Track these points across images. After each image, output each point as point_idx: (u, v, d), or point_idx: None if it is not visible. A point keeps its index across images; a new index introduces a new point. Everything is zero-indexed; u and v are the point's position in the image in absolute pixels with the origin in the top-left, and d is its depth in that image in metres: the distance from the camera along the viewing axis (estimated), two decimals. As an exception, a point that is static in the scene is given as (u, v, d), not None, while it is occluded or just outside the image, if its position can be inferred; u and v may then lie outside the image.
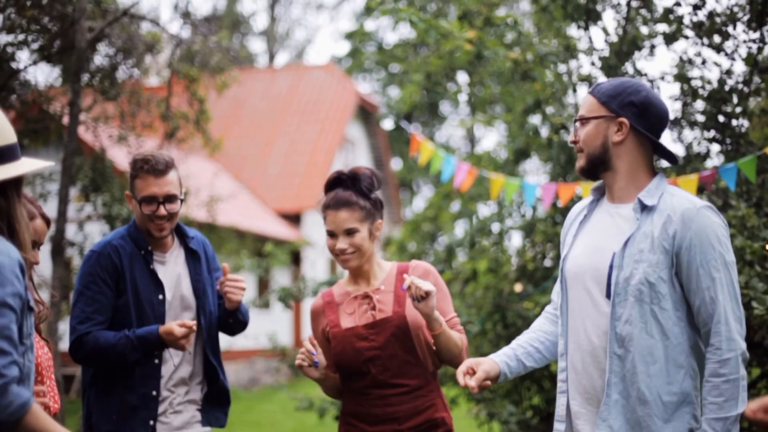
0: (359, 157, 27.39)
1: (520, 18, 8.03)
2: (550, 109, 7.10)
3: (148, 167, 4.02)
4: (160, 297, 4.14)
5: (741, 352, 3.12)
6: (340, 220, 3.77)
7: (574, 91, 7.27)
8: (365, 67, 32.75)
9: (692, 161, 6.72)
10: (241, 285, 4.16)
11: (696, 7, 6.67)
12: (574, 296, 3.38)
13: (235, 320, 4.28)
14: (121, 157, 11.18)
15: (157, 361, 4.09)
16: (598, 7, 7.01)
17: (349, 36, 32.39)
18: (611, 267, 3.24)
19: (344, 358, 3.76)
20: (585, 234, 3.42)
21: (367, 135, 28.19)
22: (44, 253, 4.46)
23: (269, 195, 24.10)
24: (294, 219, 23.88)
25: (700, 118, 6.85)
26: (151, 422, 4.06)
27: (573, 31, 7.40)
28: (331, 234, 3.80)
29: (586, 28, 7.18)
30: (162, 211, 4.04)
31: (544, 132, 7.05)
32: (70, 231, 9.71)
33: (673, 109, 6.95)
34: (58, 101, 10.03)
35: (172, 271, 4.20)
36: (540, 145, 7.07)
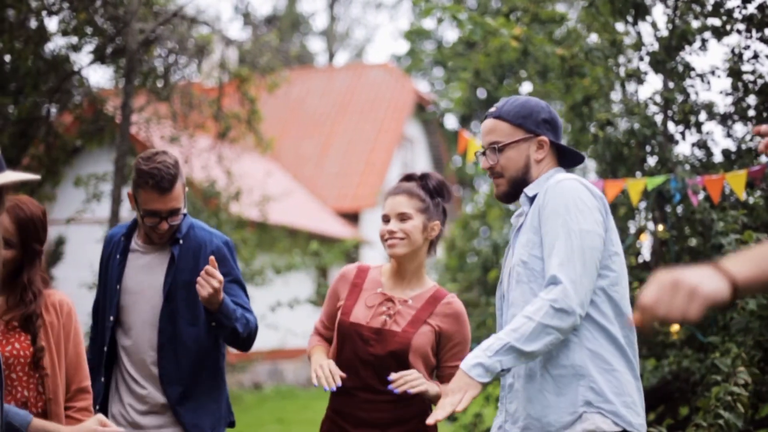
0: (418, 156, 27.34)
1: (568, 14, 7.94)
2: (596, 106, 7.01)
3: (153, 183, 3.93)
4: (118, 286, 4.11)
5: (552, 304, 3.04)
6: (396, 203, 3.74)
7: (623, 86, 7.18)
8: (424, 65, 32.69)
9: (743, 156, 6.61)
10: (213, 282, 3.80)
11: (746, 0, 6.56)
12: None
13: (217, 324, 3.97)
14: (176, 152, 11.29)
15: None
16: (647, 2, 6.92)
17: (408, 35, 32.37)
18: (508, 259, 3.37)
19: (343, 348, 3.73)
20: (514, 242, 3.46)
21: (426, 133, 28.13)
22: (97, 251, 4.51)
23: (328, 194, 24.15)
24: (352, 218, 23.90)
25: (751, 113, 6.74)
26: None
27: (620, 26, 7.31)
28: (385, 218, 3.77)
29: (635, 24, 7.09)
30: (164, 225, 4.01)
31: (592, 129, 6.95)
32: (124, 230, 9.82)
33: (725, 104, 6.84)
34: (112, 103, 10.16)
35: (147, 262, 4.14)
36: (587, 142, 6.98)
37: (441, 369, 3.78)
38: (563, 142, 3.51)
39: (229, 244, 4.22)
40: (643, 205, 6.90)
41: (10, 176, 2.62)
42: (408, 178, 3.87)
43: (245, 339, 4.09)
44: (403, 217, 3.71)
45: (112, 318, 4.10)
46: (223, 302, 3.90)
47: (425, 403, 3.69)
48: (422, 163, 27.32)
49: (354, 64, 34.54)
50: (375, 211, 14.70)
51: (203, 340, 4.10)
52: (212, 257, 3.91)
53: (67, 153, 10.13)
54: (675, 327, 6.12)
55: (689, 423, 4.97)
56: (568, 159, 3.49)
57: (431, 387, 3.57)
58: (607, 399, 3.10)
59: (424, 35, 32.79)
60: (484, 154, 3.43)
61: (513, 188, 3.40)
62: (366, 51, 43.35)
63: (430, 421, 3.13)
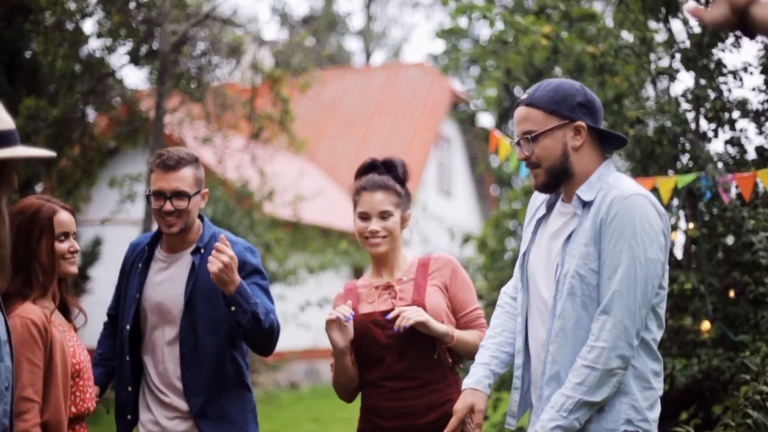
0: (454, 155, 27.30)
1: (599, 12, 7.89)
2: (627, 103, 6.96)
3: (159, 161, 3.99)
4: (137, 296, 4.12)
5: (612, 348, 2.99)
6: (376, 201, 3.74)
7: (654, 84, 7.13)
8: (460, 65, 32.63)
9: (775, 154, 6.54)
10: (223, 258, 3.73)
11: (779, -4, 6.48)
12: (532, 294, 3.33)
13: (236, 307, 3.84)
14: (208, 156, 11.37)
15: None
16: (679, -1, 6.86)
17: (440, 34, 32.33)
18: (557, 266, 3.18)
19: (362, 344, 3.73)
20: (541, 233, 3.36)
21: (462, 132, 28.07)
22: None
23: (364, 193, 24.17)
24: (389, 217, 23.88)
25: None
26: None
27: (651, 23, 7.25)
28: (364, 216, 3.76)
29: (666, 21, 7.03)
30: (168, 206, 3.97)
31: (623, 127, 6.91)
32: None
33: (758, 101, 6.77)
34: (146, 104, 10.26)
35: (168, 273, 4.14)
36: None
37: (458, 321, 3.80)
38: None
39: (252, 250, 4.20)
40: (674, 203, 6.85)
41: (22, 151, 2.62)
42: (372, 167, 3.86)
43: (268, 333, 3.97)
44: (384, 215, 3.73)
45: (128, 327, 4.11)
46: (241, 285, 3.82)
47: (456, 387, 3.69)
48: (459, 163, 27.28)
49: (390, 63, 34.57)
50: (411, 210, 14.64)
51: (225, 348, 4.08)
52: (222, 236, 3.90)
53: (102, 154, 10.24)
54: (706, 326, 6.07)
55: (718, 422, 4.94)
56: (609, 143, 3.32)
57: (436, 324, 3.60)
58: (646, 417, 3.08)
59: (461, 34, 32.73)
60: (519, 144, 3.27)
61: (552, 179, 3.23)
62: (403, 50, 43.38)
63: None
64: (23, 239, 3.40)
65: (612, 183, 3.15)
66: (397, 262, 3.86)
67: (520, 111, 3.27)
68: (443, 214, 22.91)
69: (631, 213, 3.04)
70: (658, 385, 3.15)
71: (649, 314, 3.10)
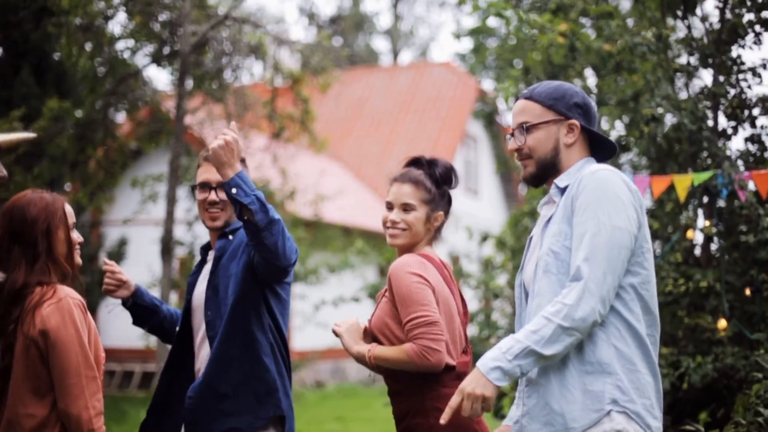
0: (481, 154, 27.25)
1: (616, 9, 7.85)
2: (643, 101, 6.93)
3: (206, 155, 4.07)
4: (189, 297, 4.21)
5: (573, 307, 2.98)
6: (401, 192, 3.67)
7: (672, 82, 7.09)
8: (488, 63, 32.59)
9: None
10: (227, 136, 3.62)
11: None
12: (529, 304, 3.30)
13: (237, 189, 3.62)
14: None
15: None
16: (697, -5, 6.82)
17: (472, 32, 32.32)
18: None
19: None
20: (531, 246, 3.38)
21: (489, 131, 28.03)
22: (154, 252, 4.61)
23: (390, 192, 24.19)
24: (415, 216, 23.87)
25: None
26: None
27: (669, 21, 7.22)
28: (389, 206, 3.71)
29: (684, 18, 6.99)
30: (213, 196, 4.06)
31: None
32: (179, 231, 9.98)
33: (777, 98, 6.73)
34: (168, 104, 10.32)
35: (206, 270, 4.21)
36: (635, 138, 6.91)
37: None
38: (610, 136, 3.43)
39: None
40: (693, 201, 6.81)
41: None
42: (415, 163, 3.78)
43: (275, 222, 3.69)
44: (406, 208, 3.66)
45: (177, 329, 4.20)
46: (240, 172, 3.64)
47: (421, 396, 3.53)
48: (485, 161, 27.23)
49: (416, 62, 34.56)
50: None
51: (248, 317, 3.97)
52: (233, 122, 3.82)
53: (126, 155, 10.32)
54: (722, 324, 6.04)
55: (729, 420, 4.91)
56: (601, 151, 3.38)
57: (349, 344, 3.57)
58: (632, 399, 3.05)
59: (488, 32, 32.67)
60: (512, 135, 3.34)
61: (541, 171, 3.30)
62: (430, 49, 43.34)
63: (441, 421, 3.07)
64: (43, 229, 3.39)
65: (589, 169, 3.19)
66: None
67: (519, 104, 3.36)
68: (471, 213, 22.90)
69: (599, 185, 3.08)
70: (647, 371, 3.11)
71: (630, 293, 3.10)
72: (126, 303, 4.30)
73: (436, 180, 3.73)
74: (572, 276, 3.04)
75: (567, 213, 3.14)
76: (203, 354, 4.08)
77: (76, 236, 3.52)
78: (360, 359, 3.57)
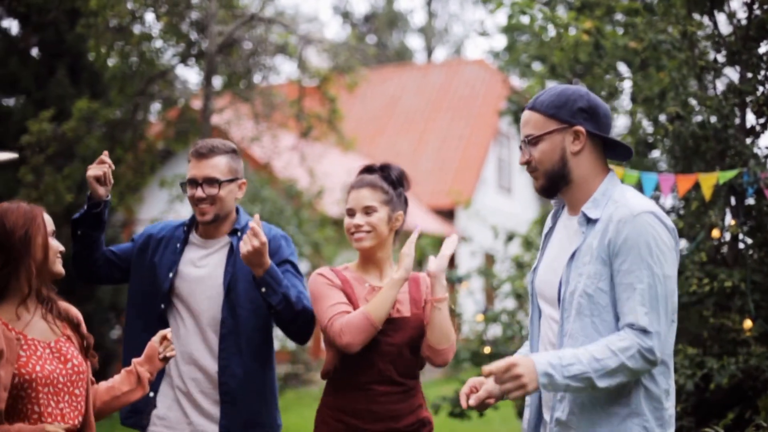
0: (514, 151, 27.13)
1: (642, 7, 7.78)
2: (668, 99, 6.87)
3: (193, 150, 4.16)
4: (170, 275, 4.17)
5: (640, 352, 2.95)
6: (361, 197, 3.82)
7: (699, 80, 7.01)
8: (520, 60, 32.47)
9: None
10: (254, 241, 3.78)
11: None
12: (542, 310, 3.31)
13: (267, 288, 3.89)
14: (258, 152, 11.43)
15: None
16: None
17: (505, 30, 32.21)
18: (560, 283, 3.15)
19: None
20: (548, 248, 3.34)
21: (519, 128, 27.94)
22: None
23: (422, 191, 24.16)
24: (447, 214, 23.86)
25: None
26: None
27: (696, 17, 7.14)
28: (350, 212, 3.83)
29: (711, 15, 6.92)
30: (199, 192, 4.10)
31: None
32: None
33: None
34: (196, 104, 10.37)
35: (207, 254, 4.21)
36: (661, 136, 6.85)
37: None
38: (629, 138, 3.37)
39: (285, 237, 4.31)
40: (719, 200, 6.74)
41: None
42: (368, 170, 3.95)
43: (302, 316, 4.00)
44: (368, 211, 3.79)
45: (162, 306, 4.17)
46: (271, 266, 3.88)
47: (421, 392, 3.87)
48: (518, 158, 27.09)
49: (449, 60, 34.51)
50: (469, 207, 14.62)
51: (264, 330, 4.17)
52: (257, 215, 3.96)
53: (154, 156, 10.38)
54: (747, 324, 5.97)
55: (750, 423, 4.85)
56: (614, 152, 3.28)
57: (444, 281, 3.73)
58: None
59: (521, 29, 32.52)
60: (521, 148, 3.28)
61: (550, 183, 3.22)
62: (464, 47, 43.27)
63: (484, 372, 2.96)
64: (20, 236, 3.31)
65: (617, 199, 3.13)
66: (388, 265, 3.91)
67: (524, 115, 3.29)
68: (504, 211, 22.81)
69: (644, 231, 3.01)
70: (669, 404, 3.11)
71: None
72: (97, 206, 4.11)
73: (392, 182, 3.90)
74: (637, 330, 2.99)
75: (602, 254, 3.06)
76: (196, 341, 4.12)
77: (56, 244, 3.45)
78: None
